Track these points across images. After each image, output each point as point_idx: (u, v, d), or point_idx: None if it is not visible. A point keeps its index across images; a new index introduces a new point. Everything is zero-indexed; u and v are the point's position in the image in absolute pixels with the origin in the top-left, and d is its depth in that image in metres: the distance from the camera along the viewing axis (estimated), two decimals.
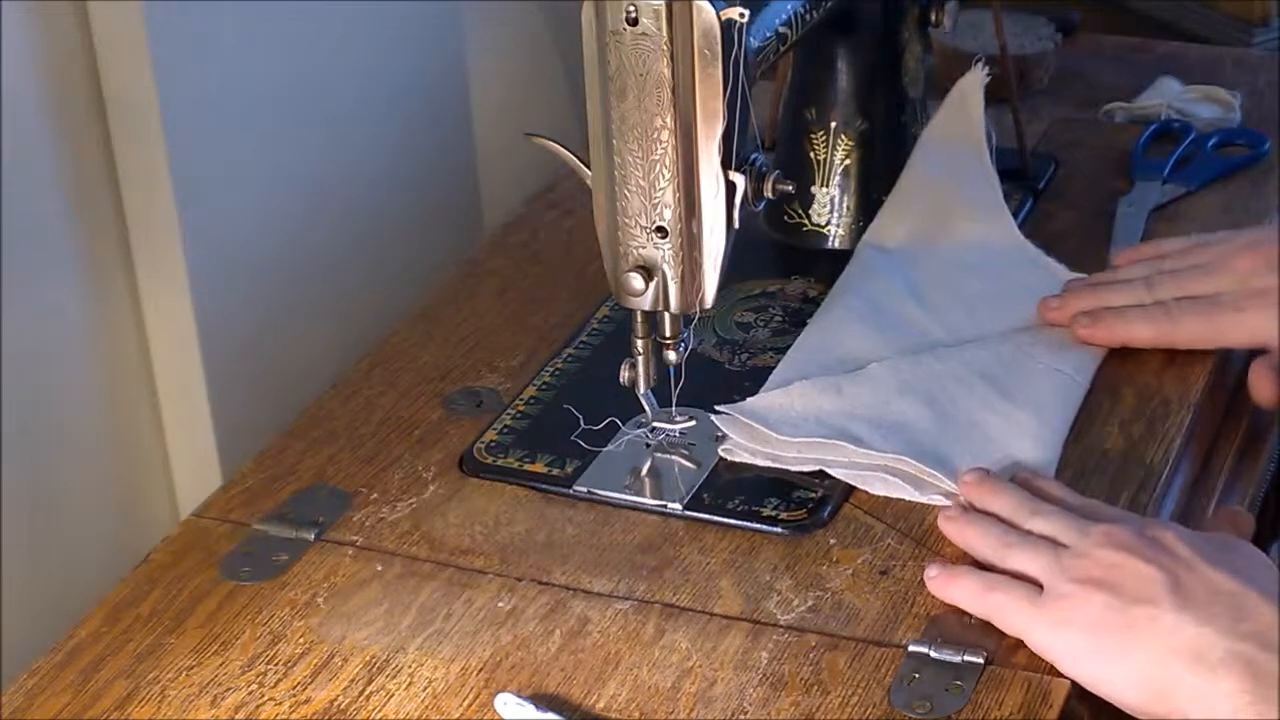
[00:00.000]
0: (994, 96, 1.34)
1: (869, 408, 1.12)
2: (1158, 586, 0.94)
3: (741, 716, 0.95)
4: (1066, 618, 0.96)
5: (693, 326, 1.12)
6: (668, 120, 1.03)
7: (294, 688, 0.98)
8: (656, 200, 1.05)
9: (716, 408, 1.13)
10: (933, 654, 0.97)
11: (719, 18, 1.01)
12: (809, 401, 1.13)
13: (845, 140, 1.31)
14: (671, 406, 1.14)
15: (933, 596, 1.01)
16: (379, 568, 1.06)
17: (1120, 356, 1.19)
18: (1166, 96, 1.50)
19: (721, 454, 1.12)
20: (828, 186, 1.32)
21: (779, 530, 1.07)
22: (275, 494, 1.12)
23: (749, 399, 1.14)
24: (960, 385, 1.15)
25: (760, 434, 1.11)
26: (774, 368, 1.18)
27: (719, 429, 1.13)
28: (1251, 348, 1.19)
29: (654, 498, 1.10)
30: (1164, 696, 0.93)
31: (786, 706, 0.95)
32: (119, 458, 1.25)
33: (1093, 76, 1.57)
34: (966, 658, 0.97)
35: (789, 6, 1.13)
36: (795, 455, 1.11)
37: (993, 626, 0.98)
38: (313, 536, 1.08)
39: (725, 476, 1.11)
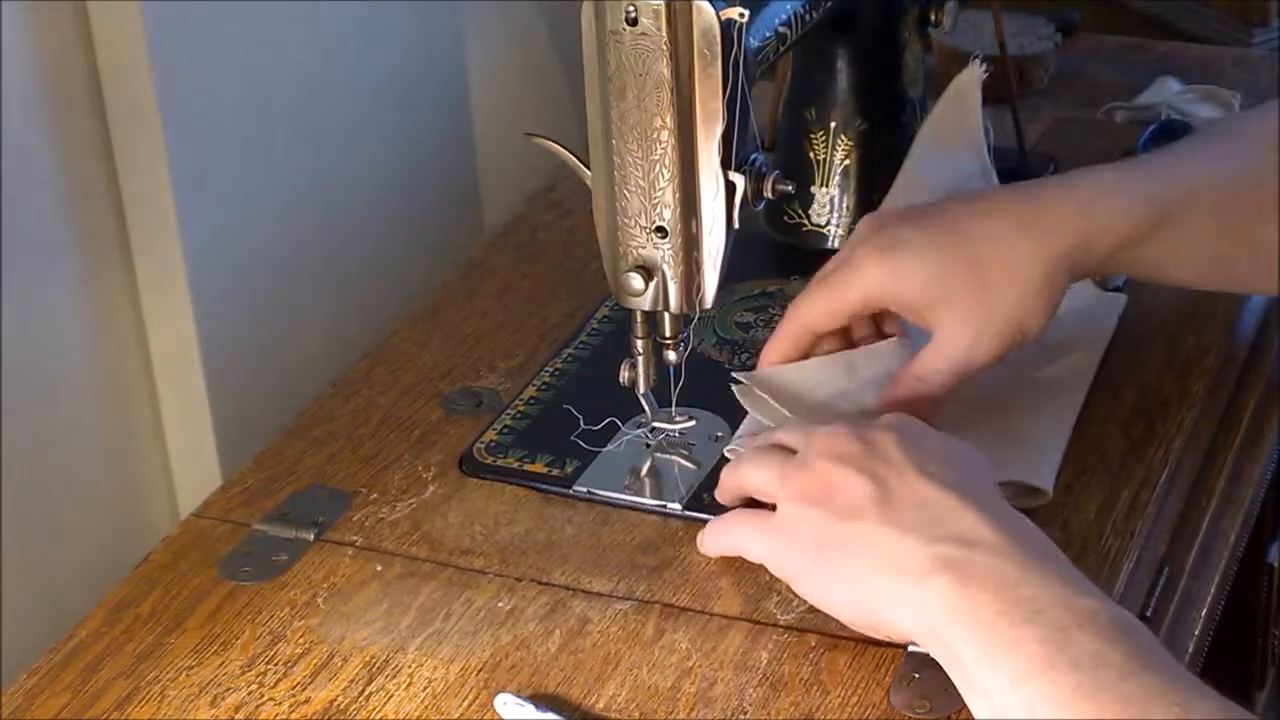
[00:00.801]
0: (993, 96, 1.34)
1: (880, 384, 1.11)
2: (867, 501, 0.95)
3: (741, 716, 0.95)
4: (790, 537, 0.98)
5: (693, 326, 1.12)
6: (667, 120, 1.03)
7: (294, 688, 0.98)
8: (656, 200, 1.05)
9: (734, 375, 1.12)
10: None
11: (719, 18, 1.01)
12: (821, 382, 1.11)
13: (845, 140, 1.31)
14: (671, 406, 1.13)
15: None
16: (379, 568, 1.06)
17: (1120, 356, 1.19)
18: (1166, 96, 1.50)
19: (726, 454, 1.12)
20: (827, 186, 1.32)
21: None
22: (275, 494, 1.12)
23: (765, 369, 1.12)
24: None
25: (775, 412, 1.09)
26: None
27: (719, 429, 1.13)
28: None
29: (654, 498, 1.10)
30: (873, 609, 0.94)
31: (786, 706, 0.95)
32: (119, 458, 1.25)
33: (1093, 76, 1.57)
34: None
35: (789, 6, 1.13)
36: None
37: None
38: (312, 537, 1.08)
39: None
